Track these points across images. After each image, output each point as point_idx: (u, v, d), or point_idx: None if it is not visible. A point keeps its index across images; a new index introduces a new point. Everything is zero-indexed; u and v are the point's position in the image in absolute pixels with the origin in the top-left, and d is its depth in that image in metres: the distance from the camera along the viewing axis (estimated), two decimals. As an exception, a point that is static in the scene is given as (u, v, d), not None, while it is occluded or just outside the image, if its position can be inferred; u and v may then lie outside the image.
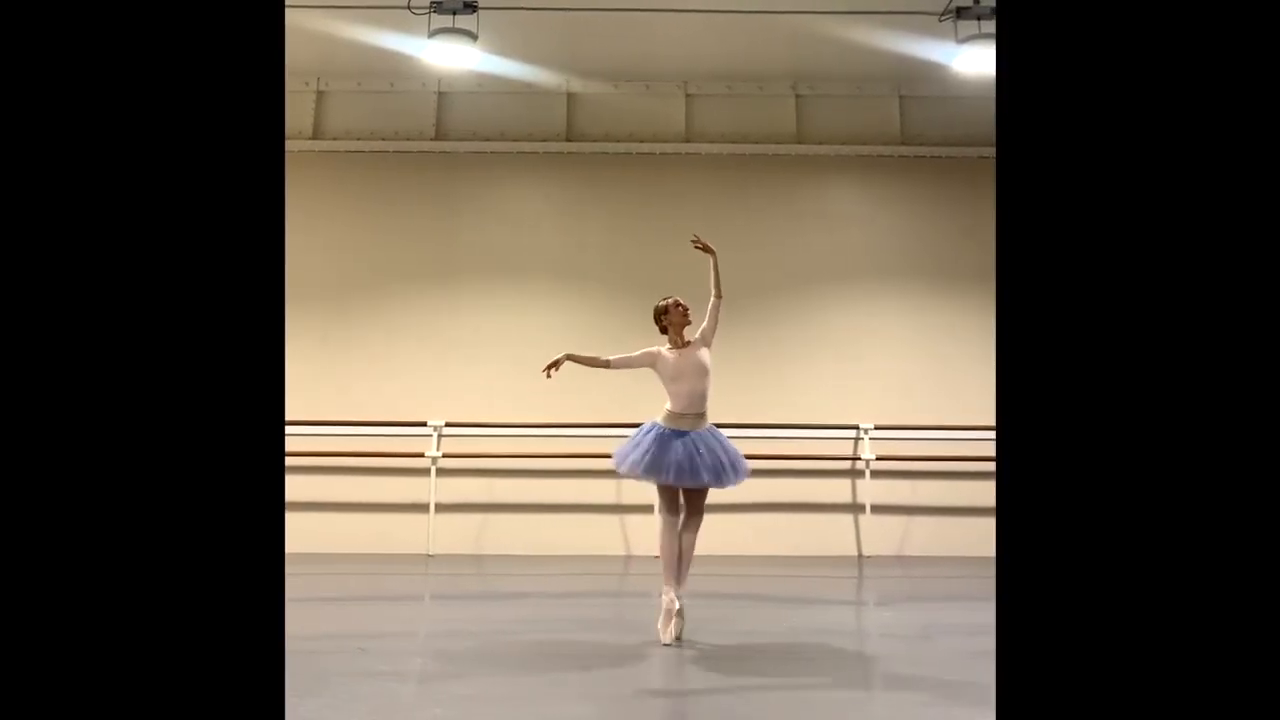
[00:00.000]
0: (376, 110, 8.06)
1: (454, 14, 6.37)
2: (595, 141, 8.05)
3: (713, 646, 4.09)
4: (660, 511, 4.34)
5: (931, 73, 7.62)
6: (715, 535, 7.31)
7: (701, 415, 4.37)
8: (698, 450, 4.20)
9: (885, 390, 7.65)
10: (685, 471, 4.14)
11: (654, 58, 7.62)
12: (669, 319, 4.53)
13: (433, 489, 7.23)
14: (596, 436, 7.32)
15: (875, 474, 7.43)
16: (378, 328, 7.66)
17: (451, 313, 7.77)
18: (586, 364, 4.56)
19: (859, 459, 7.43)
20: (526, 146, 8.02)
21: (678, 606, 4.08)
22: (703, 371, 4.40)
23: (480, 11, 6.39)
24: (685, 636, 4.09)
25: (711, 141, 8.09)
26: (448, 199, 7.97)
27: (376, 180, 7.90)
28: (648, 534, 7.29)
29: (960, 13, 6.40)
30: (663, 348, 4.49)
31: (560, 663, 3.71)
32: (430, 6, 6.37)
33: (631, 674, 3.62)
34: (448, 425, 7.31)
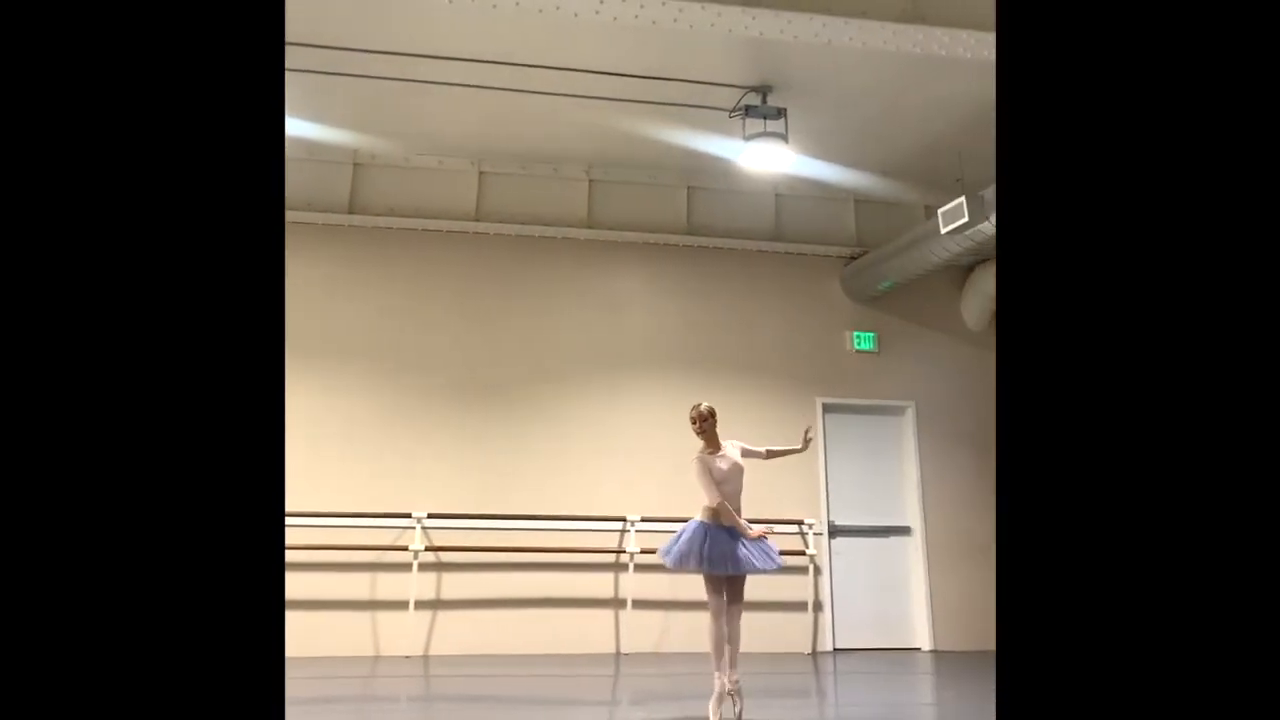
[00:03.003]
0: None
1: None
2: (379, 215, 7.78)
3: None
4: (711, 604, 4.68)
5: (718, 166, 7.81)
6: (473, 633, 7.09)
7: (738, 510, 4.74)
8: (743, 542, 4.64)
9: (654, 481, 7.59)
10: (741, 560, 4.58)
11: (447, 132, 7.47)
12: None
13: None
14: (350, 527, 6.97)
15: (639, 568, 7.31)
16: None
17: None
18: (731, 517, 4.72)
19: (624, 552, 7.31)
20: (305, 216, 7.64)
21: (729, 688, 4.56)
22: (741, 472, 4.82)
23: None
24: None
25: (502, 221, 7.96)
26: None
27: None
28: (402, 632, 6.95)
29: (749, 111, 6.53)
30: (703, 453, 4.78)
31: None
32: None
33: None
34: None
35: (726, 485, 4.71)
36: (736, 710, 4.55)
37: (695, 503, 7.35)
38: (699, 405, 4.85)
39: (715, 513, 4.67)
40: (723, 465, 4.74)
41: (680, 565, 4.66)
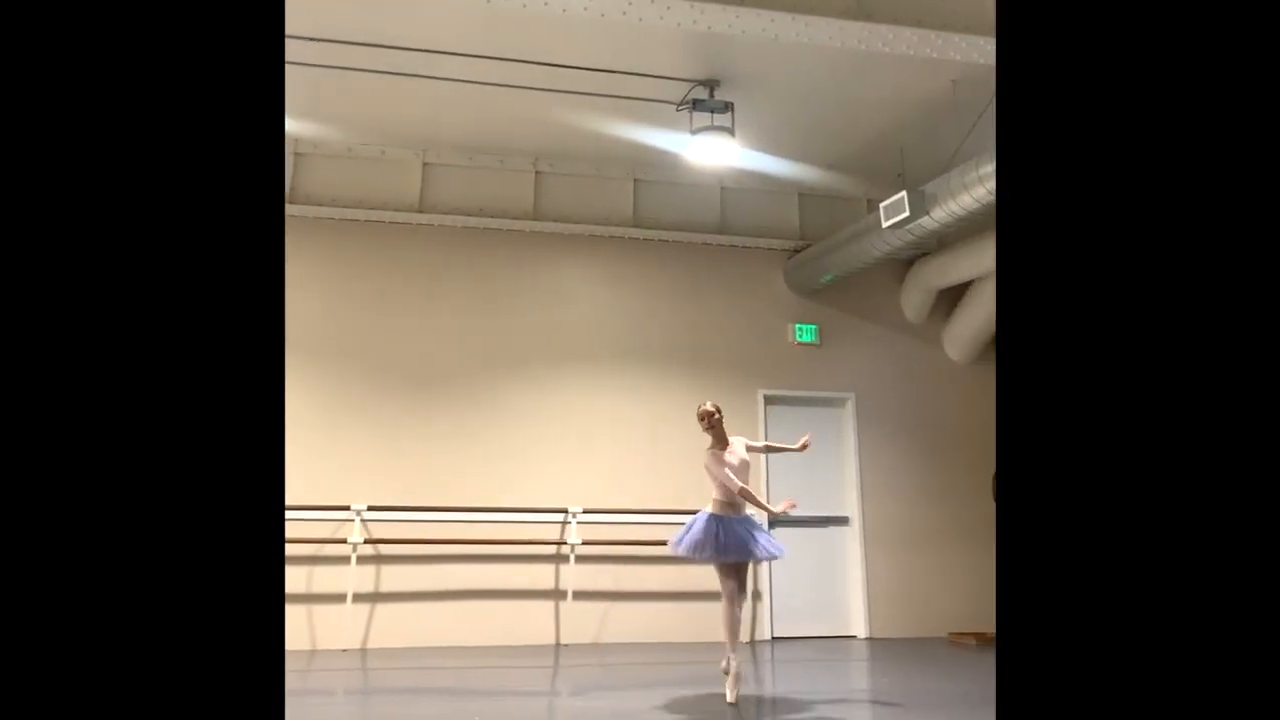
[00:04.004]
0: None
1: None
2: (321, 205, 7.61)
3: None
4: (726, 590, 4.97)
5: (665, 159, 7.82)
6: (412, 625, 7.04)
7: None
8: (753, 532, 4.96)
9: (596, 472, 7.62)
10: (751, 549, 4.91)
11: (391, 122, 7.36)
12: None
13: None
14: (287, 520, 6.84)
15: (580, 559, 7.33)
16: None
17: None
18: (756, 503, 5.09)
19: (565, 543, 7.31)
20: (244, 204, 7.50)
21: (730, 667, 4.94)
22: (748, 467, 5.12)
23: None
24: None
25: (446, 213, 7.86)
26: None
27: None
28: (339, 625, 6.88)
29: (696, 104, 6.55)
30: (714, 449, 5.07)
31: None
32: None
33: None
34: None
35: (738, 477, 5.03)
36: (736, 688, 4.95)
37: (636, 494, 7.50)
38: (704, 405, 5.16)
39: (726, 504, 4.96)
40: (733, 460, 5.02)
41: (694, 554, 4.93)
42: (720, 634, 5.08)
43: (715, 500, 5.03)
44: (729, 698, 4.86)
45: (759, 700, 5.10)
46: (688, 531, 5.01)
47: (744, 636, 7.52)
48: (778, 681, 5.49)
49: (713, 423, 5.08)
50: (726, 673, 4.99)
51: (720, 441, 5.10)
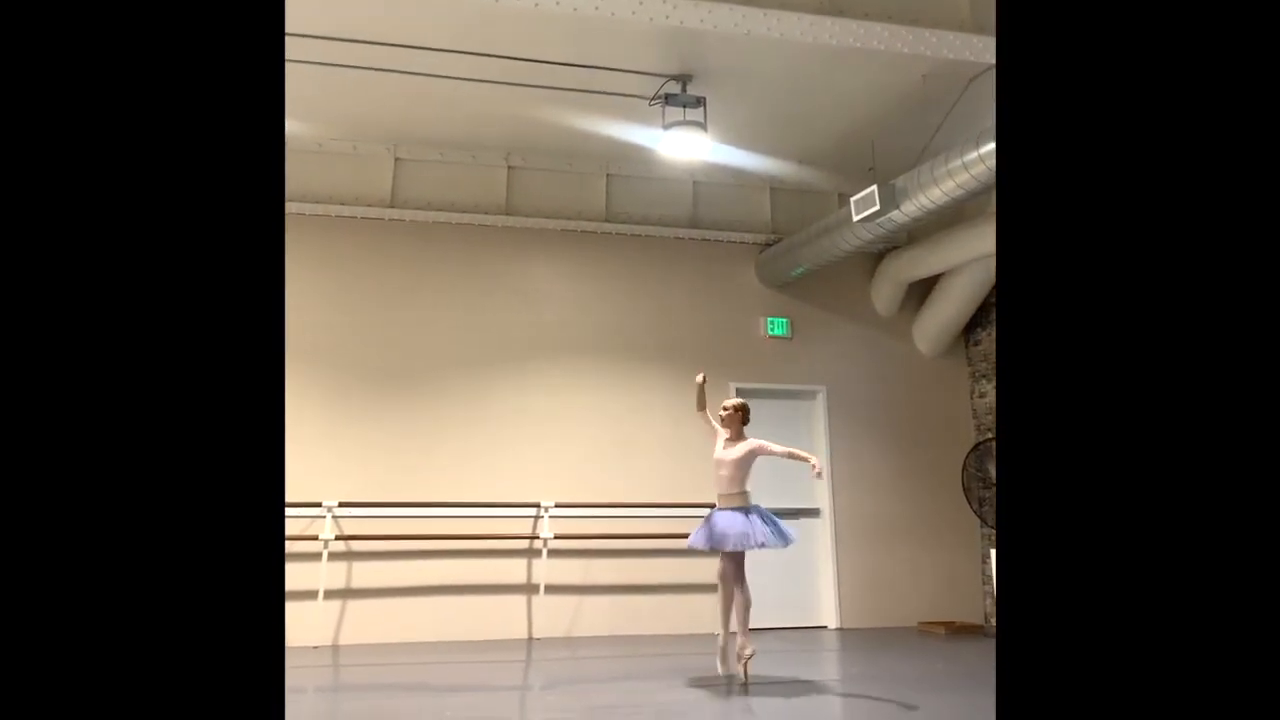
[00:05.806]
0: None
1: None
2: (292, 201, 7.53)
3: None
4: (723, 576, 5.40)
5: (637, 154, 7.83)
6: (384, 622, 7.02)
7: (740, 495, 5.36)
8: (752, 520, 5.20)
9: (568, 467, 7.62)
10: (749, 536, 5.14)
11: (363, 117, 7.29)
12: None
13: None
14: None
15: (552, 553, 7.34)
16: None
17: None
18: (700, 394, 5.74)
19: (537, 538, 7.31)
20: (212, 197, 7.42)
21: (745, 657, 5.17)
22: (736, 464, 5.40)
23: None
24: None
25: (418, 208, 7.82)
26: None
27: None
28: (310, 622, 6.84)
29: (668, 99, 6.56)
30: (723, 436, 5.57)
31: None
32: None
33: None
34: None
35: (717, 470, 5.47)
36: (730, 670, 5.26)
37: (608, 488, 7.55)
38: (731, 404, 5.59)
39: (721, 496, 5.39)
40: (720, 453, 5.49)
41: (747, 545, 5.17)
42: (714, 624, 5.30)
43: (726, 495, 5.38)
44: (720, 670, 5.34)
45: (742, 685, 5.14)
46: (731, 528, 5.16)
47: (715, 628, 7.53)
48: (761, 668, 5.52)
49: (744, 416, 5.59)
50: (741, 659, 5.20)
51: (733, 435, 5.54)
